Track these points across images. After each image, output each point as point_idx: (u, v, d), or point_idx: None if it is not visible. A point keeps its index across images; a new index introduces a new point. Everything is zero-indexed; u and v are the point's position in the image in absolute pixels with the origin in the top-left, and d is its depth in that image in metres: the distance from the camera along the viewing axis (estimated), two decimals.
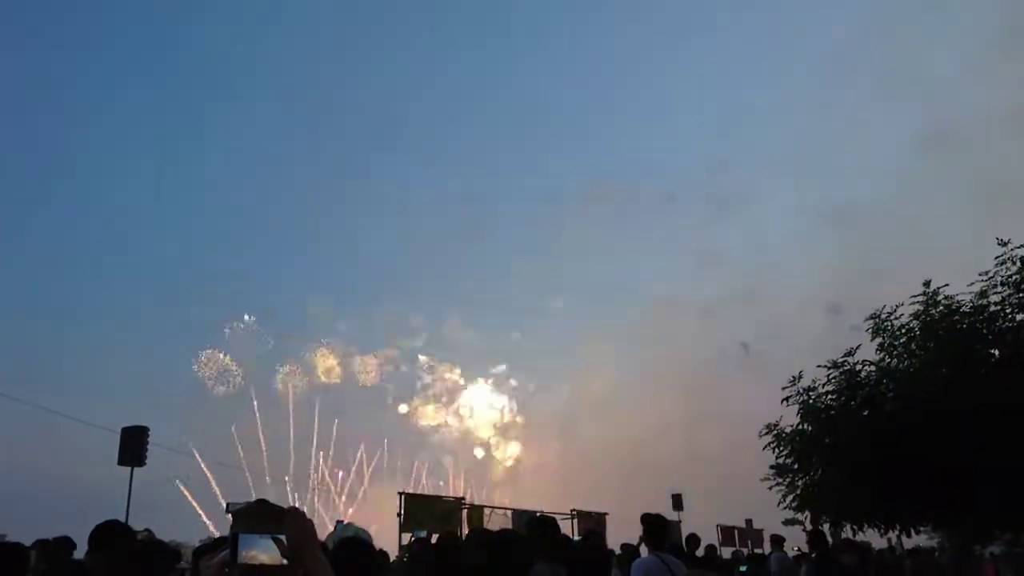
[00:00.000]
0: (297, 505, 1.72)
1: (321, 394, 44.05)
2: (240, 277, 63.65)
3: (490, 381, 53.01)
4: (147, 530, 3.98)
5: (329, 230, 70.79)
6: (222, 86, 70.64)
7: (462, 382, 51.80)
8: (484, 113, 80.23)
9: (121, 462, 16.18)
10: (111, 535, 3.87)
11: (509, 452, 51.88)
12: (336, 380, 43.91)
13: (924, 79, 62.29)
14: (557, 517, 15.10)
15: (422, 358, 49.92)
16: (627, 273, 74.95)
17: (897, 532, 13.71)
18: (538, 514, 8.50)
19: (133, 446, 16.25)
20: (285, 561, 1.63)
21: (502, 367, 55.18)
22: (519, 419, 53.30)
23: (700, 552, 13.35)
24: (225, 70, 68.67)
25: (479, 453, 50.64)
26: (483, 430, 50.68)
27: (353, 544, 3.17)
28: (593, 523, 18.55)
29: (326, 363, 44.15)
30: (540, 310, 72.34)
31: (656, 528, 6.37)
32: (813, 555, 11.46)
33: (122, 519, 12.21)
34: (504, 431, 51.83)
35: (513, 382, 53.98)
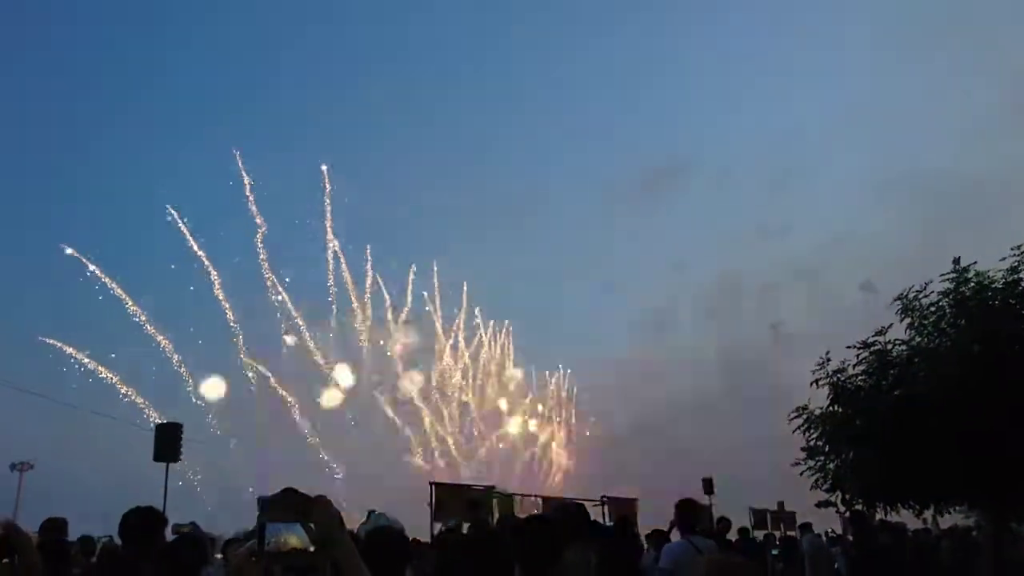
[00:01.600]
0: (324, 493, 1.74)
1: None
2: None
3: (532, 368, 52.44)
4: (192, 523, 4.07)
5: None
6: None
7: (519, 373, 51.38)
8: (531, 92, 79.08)
9: (156, 458, 16.49)
10: (144, 525, 3.92)
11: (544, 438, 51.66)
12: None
13: (1006, 45, 60.37)
14: (587, 503, 15.18)
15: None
16: (680, 253, 74.39)
17: (932, 512, 13.56)
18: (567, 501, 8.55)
19: (168, 442, 16.56)
20: (312, 548, 1.66)
21: (552, 356, 54.83)
22: (562, 404, 52.90)
23: (732, 535, 13.36)
24: None
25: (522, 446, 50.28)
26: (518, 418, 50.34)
27: (386, 533, 3.21)
28: (623, 509, 18.58)
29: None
30: (584, 295, 71.82)
31: (685, 513, 6.39)
32: (852, 536, 11.39)
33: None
34: (541, 417, 51.56)
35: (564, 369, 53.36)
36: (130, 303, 32.01)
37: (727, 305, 64.18)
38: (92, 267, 31.12)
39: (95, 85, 59.65)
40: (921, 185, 56.42)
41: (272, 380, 35.73)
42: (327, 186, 38.11)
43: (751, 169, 77.07)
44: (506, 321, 49.64)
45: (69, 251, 31.02)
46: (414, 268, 43.26)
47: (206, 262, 33.92)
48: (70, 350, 31.22)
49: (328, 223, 38.21)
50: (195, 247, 33.55)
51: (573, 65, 78.72)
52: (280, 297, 36.51)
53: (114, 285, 31.61)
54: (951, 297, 12.15)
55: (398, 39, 75.34)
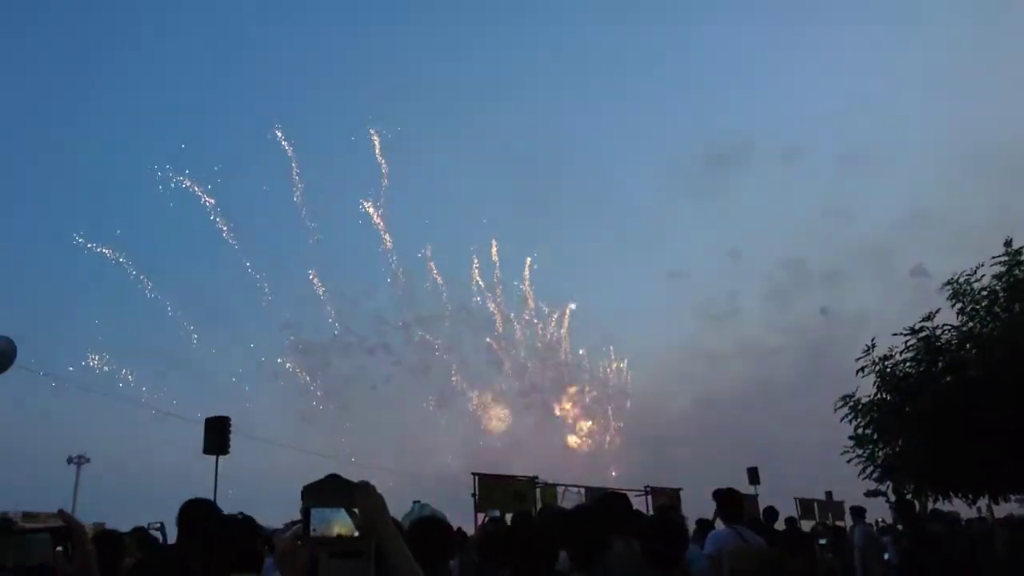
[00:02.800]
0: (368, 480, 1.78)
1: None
2: None
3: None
4: (241, 513, 4.19)
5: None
6: None
7: (585, 361, 51.18)
8: (595, 74, 77.72)
9: (206, 451, 16.87)
10: (199, 517, 4.03)
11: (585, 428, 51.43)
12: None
13: None
14: (630, 494, 15.14)
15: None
16: (742, 237, 72.96)
17: (987, 501, 13.24)
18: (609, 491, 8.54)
19: (217, 435, 16.92)
20: (357, 533, 1.69)
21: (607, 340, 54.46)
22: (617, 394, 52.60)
23: (779, 525, 13.19)
24: None
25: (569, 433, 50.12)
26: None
27: (430, 523, 3.26)
28: (667, 499, 18.48)
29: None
30: (643, 279, 71.06)
31: (730, 502, 6.35)
32: (901, 526, 11.15)
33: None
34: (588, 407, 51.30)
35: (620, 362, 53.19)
36: None
37: (788, 290, 63.08)
38: None
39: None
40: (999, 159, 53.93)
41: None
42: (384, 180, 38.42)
43: (819, 146, 74.60)
44: (568, 306, 49.22)
45: None
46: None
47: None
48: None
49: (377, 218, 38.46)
50: None
51: (637, 41, 76.98)
52: None
53: None
54: (1004, 281, 11.81)
55: (464, 20, 74.89)
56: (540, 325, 47.65)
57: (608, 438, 51.26)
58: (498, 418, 45.42)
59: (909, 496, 13.07)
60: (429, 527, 3.11)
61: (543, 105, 75.34)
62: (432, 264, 41.60)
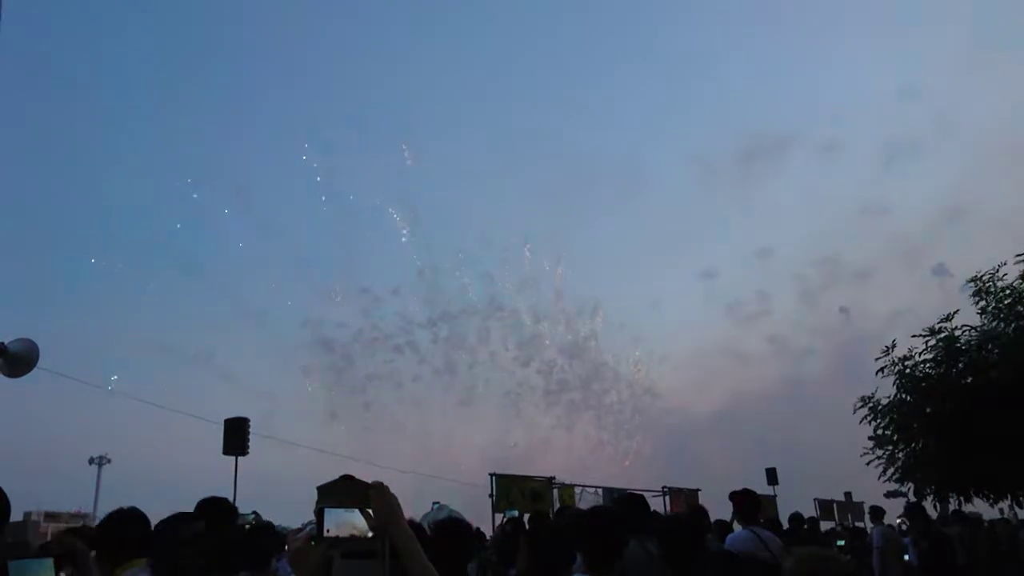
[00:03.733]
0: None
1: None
2: None
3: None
4: (255, 513, 4.23)
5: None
6: None
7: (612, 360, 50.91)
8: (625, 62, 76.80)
9: (226, 452, 17.00)
10: (216, 514, 4.08)
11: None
12: None
13: None
14: (648, 494, 15.11)
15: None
16: (779, 233, 71.51)
17: (1009, 502, 13.08)
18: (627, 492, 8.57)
19: (236, 436, 17.03)
20: (371, 534, 1.71)
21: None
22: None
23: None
24: None
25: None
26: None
27: (451, 525, 3.29)
28: (685, 500, 18.43)
29: None
30: (675, 277, 70.16)
31: (747, 503, 6.33)
32: (912, 529, 11.08)
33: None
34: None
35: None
36: None
37: (818, 290, 62.04)
38: None
39: None
40: None
41: None
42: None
43: (861, 139, 72.81)
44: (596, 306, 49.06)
45: None
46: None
47: None
48: None
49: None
50: None
51: (674, 28, 75.69)
52: None
53: None
54: None
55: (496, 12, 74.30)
56: (568, 324, 47.46)
57: (633, 440, 50.98)
58: (523, 416, 45.20)
59: (931, 497, 12.97)
60: (452, 528, 3.14)
61: (574, 101, 74.43)
62: (461, 260, 41.41)
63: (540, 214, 69.14)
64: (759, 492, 6.83)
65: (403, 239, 37.57)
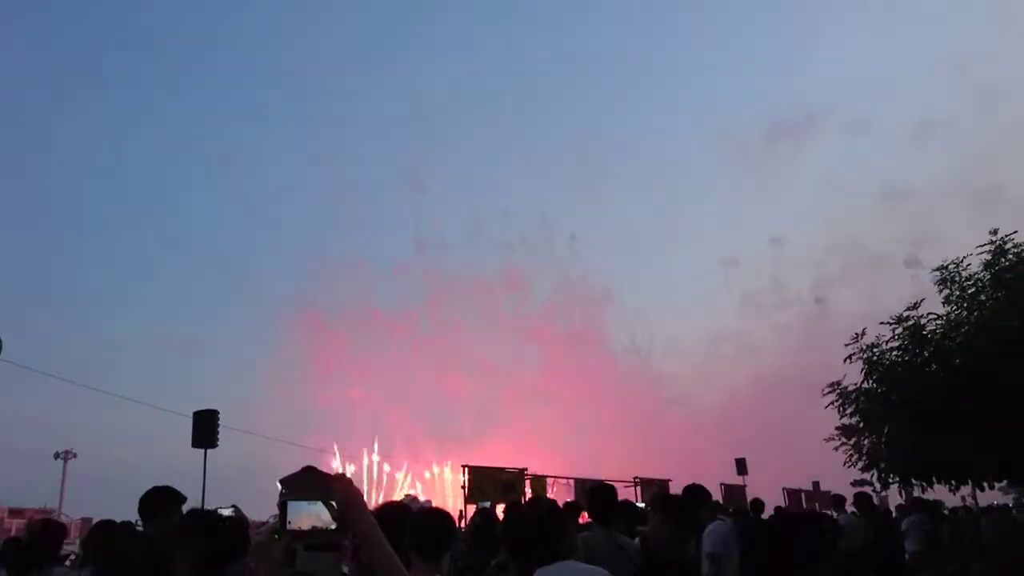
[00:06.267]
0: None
1: None
2: None
3: None
4: (234, 507, 4.15)
5: None
6: None
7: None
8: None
9: (195, 445, 16.76)
10: (157, 503, 3.98)
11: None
12: None
13: None
14: (620, 485, 15.20)
15: None
16: (799, 217, 70.00)
17: (970, 489, 13.34)
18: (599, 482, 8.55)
19: (205, 429, 16.80)
20: (334, 525, 1.68)
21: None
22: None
23: (766, 516, 13.25)
24: None
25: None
26: None
27: (434, 514, 3.22)
28: (656, 490, 18.58)
29: None
30: (692, 261, 69.88)
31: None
32: (861, 518, 11.32)
33: (199, 500, 12.62)
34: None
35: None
36: None
37: (834, 277, 61.73)
38: None
39: None
40: None
41: None
42: None
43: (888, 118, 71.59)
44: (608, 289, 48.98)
45: None
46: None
47: None
48: None
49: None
50: None
51: (699, 12, 74.87)
52: None
53: None
54: (990, 270, 11.89)
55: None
56: (578, 309, 48.09)
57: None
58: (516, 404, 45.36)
59: (897, 484, 13.19)
60: (432, 517, 3.08)
61: (596, 81, 74.07)
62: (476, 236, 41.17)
63: (559, 195, 68.65)
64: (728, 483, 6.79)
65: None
